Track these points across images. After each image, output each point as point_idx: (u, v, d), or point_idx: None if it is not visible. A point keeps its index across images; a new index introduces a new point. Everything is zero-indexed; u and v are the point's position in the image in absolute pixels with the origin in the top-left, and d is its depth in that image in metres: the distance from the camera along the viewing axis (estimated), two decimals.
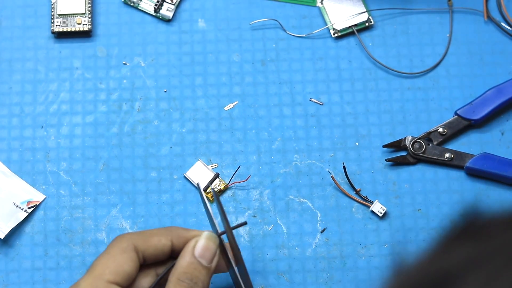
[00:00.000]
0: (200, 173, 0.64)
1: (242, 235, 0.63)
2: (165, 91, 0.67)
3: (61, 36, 0.68)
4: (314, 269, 0.62)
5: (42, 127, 0.65)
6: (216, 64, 0.67)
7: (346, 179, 0.63)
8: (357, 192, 0.63)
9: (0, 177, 0.64)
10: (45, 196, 0.64)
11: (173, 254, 0.55)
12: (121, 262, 0.53)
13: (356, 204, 0.64)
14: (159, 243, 0.55)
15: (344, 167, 0.63)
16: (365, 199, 0.64)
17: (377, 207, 0.63)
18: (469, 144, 0.66)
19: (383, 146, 0.65)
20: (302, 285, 0.62)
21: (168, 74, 0.67)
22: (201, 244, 0.54)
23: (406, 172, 0.65)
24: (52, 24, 0.67)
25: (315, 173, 0.65)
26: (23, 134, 0.65)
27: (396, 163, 0.65)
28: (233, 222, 0.63)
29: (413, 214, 0.64)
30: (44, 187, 0.64)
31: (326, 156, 0.65)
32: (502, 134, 0.66)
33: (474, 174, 0.65)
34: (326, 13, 0.69)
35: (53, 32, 0.67)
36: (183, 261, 0.54)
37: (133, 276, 0.53)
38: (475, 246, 0.34)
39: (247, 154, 0.65)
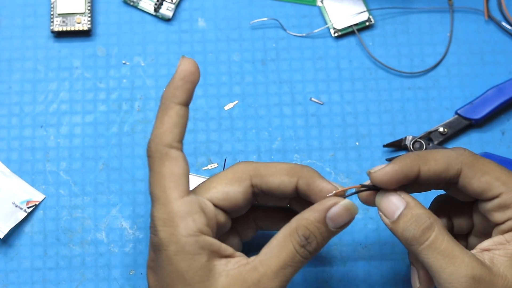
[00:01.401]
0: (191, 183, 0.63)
1: None
2: None
3: (60, 35, 0.68)
4: (314, 269, 0.62)
5: (41, 126, 0.65)
6: (216, 64, 0.67)
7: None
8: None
9: None
10: (44, 196, 0.64)
11: (297, 193, 0.53)
12: (230, 191, 0.52)
13: (357, 204, 0.64)
14: (282, 183, 0.52)
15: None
16: None
17: None
18: (470, 144, 0.66)
19: (384, 146, 0.65)
20: (302, 285, 0.62)
21: (168, 73, 0.67)
22: (337, 210, 0.51)
23: None
24: (52, 24, 0.67)
25: None
26: (22, 133, 0.65)
27: None
28: None
29: None
30: (43, 186, 0.64)
31: (327, 156, 0.65)
32: (503, 133, 0.66)
33: None
34: (327, 13, 0.68)
35: (52, 32, 0.67)
36: (311, 215, 0.51)
37: (240, 206, 0.52)
38: None
39: (247, 153, 0.65)
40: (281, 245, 0.50)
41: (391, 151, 0.65)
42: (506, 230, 0.50)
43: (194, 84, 0.51)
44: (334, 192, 0.52)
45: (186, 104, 0.51)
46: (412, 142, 0.65)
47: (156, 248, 0.49)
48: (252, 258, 0.50)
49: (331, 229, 0.51)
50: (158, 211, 0.49)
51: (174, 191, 0.49)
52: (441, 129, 0.65)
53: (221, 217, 0.52)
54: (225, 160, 0.65)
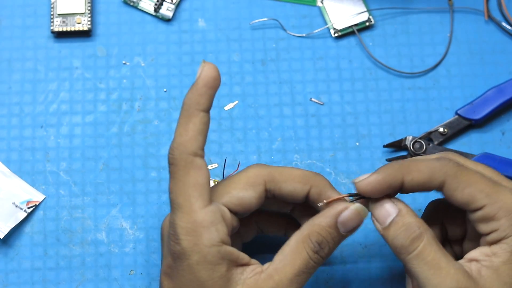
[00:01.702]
0: None
1: None
2: (165, 91, 0.67)
3: (60, 35, 0.68)
4: None
5: (41, 126, 0.65)
6: (216, 64, 0.67)
7: None
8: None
9: None
10: (44, 196, 0.64)
11: (306, 200, 0.54)
12: (244, 196, 0.52)
13: None
14: (294, 190, 0.53)
15: None
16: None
17: None
18: (470, 144, 0.66)
19: (384, 146, 0.65)
20: None
21: (168, 73, 0.67)
22: (349, 214, 0.51)
23: None
24: (52, 24, 0.67)
25: None
26: (22, 134, 0.65)
27: None
28: None
29: None
30: (43, 187, 0.64)
31: (327, 156, 0.65)
32: (503, 134, 0.66)
33: None
34: (327, 13, 0.68)
35: (52, 32, 0.67)
36: (323, 221, 0.51)
37: (253, 209, 0.52)
38: None
39: (247, 154, 0.65)
40: (294, 252, 0.50)
41: (391, 152, 0.65)
42: (491, 242, 0.50)
43: (216, 90, 0.51)
44: (327, 201, 0.53)
45: (209, 110, 0.51)
46: (412, 142, 0.65)
47: (176, 256, 0.49)
48: (267, 265, 0.50)
49: (342, 233, 0.51)
50: (181, 220, 0.49)
51: (198, 200, 0.49)
52: (441, 130, 0.65)
53: (234, 221, 0.52)
54: (225, 160, 0.65)
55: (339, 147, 0.65)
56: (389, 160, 0.64)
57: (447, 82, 0.67)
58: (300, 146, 0.65)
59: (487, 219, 0.50)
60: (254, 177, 0.52)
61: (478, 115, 0.65)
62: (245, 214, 0.53)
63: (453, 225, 0.54)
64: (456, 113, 0.66)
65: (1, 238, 0.62)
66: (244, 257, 0.51)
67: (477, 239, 0.53)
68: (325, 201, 0.53)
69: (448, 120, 0.66)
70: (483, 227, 0.50)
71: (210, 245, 0.49)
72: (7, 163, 0.64)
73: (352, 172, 0.64)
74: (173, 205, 0.50)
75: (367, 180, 0.51)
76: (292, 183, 0.53)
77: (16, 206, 0.63)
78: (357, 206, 0.52)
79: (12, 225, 0.62)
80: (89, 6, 0.67)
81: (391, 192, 0.52)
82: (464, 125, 0.65)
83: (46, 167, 0.64)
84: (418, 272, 0.49)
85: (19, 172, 0.64)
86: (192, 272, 0.49)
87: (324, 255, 0.51)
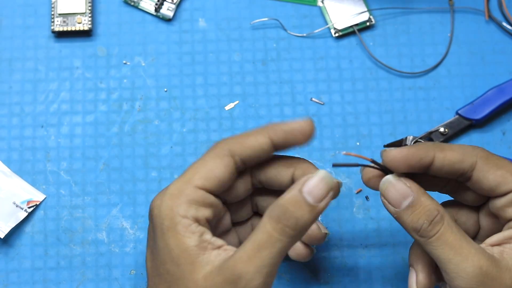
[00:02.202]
0: None
1: None
2: (166, 91, 0.67)
3: (61, 35, 0.68)
4: (314, 269, 0.62)
5: (42, 126, 0.65)
6: (216, 64, 0.67)
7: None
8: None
9: (0, 176, 0.64)
10: (45, 196, 0.64)
11: (277, 151, 0.52)
12: (212, 167, 0.50)
13: (357, 204, 0.64)
14: (256, 142, 0.51)
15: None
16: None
17: None
18: (470, 144, 0.65)
19: (384, 146, 0.65)
20: (302, 285, 0.62)
21: (168, 73, 0.67)
22: (313, 181, 0.49)
23: None
24: (52, 24, 0.67)
25: None
26: (23, 133, 0.65)
27: None
28: None
29: None
30: (44, 186, 0.64)
31: (327, 156, 0.65)
32: (504, 134, 0.66)
33: None
34: (327, 13, 0.68)
35: (53, 32, 0.67)
36: (287, 193, 0.49)
37: (226, 182, 0.50)
38: None
39: None
40: (258, 228, 0.48)
41: None
42: None
43: (291, 144, 0.52)
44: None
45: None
46: (413, 142, 0.65)
47: (154, 222, 0.50)
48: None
49: (312, 203, 0.48)
50: (174, 185, 0.50)
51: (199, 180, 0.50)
52: (441, 129, 0.65)
53: (216, 204, 0.51)
54: None
55: (340, 147, 0.65)
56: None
57: (448, 82, 0.67)
58: None
59: None
60: (218, 150, 0.51)
61: (478, 115, 0.65)
62: (220, 191, 0.51)
63: (466, 224, 0.54)
64: (457, 113, 0.66)
65: (2, 237, 0.62)
66: (217, 240, 0.49)
67: (490, 236, 0.53)
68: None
69: (448, 120, 0.66)
70: (510, 211, 0.50)
71: (183, 215, 0.49)
72: (8, 163, 0.64)
73: (353, 172, 0.64)
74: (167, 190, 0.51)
75: (398, 150, 0.50)
76: (251, 137, 0.51)
77: (17, 206, 0.63)
78: (321, 172, 0.49)
79: (12, 224, 0.62)
80: (89, 6, 0.67)
81: (417, 170, 0.51)
82: (465, 125, 0.65)
83: (46, 166, 0.64)
84: (438, 253, 0.49)
85: (20, 171, 0.64)
86: (164, 239, 0.49)
87: (289, 224, 0.48)
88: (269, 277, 0.48)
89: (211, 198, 0.50)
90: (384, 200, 0.51)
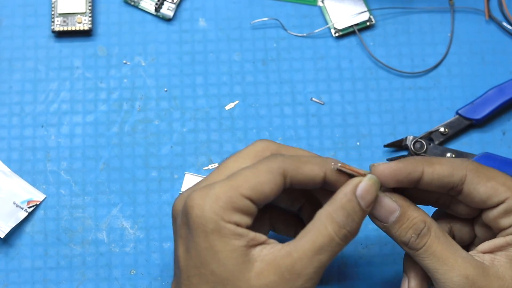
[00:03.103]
0: (191, 183, 0.63)
1: None
2: (166, 91, 0.67)
3: (61, 35, 0.68)
4: None
5: (42, 126, 0.65)
6: (217, 64, 0.67)
7: None
8: None
9: (0, 176, 0.64)
10: (45, 196, 0.64)
11: (324, 186, 0.51)
12: (264, 181, 0.48)
13: None
14: (312, 172, 0.50)
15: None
16: None
17: None
18: (471, 144, 0.66)
19: (384, 146, 0.65)
20: None
21: (168, 73, 0.67)
22: (365, 185, 0.49)
23: None
24: (53, 23, 0.67)
25: None
26: (23, 133, 0.65)
27: None
28: None
29: None
30: (44, 186, 0.64)
31: (327, 156, 0.65)
32: (504, 134, 0.66)
33: None
34: (327, 13, 0.68)
35: (53, 31, 0.67)
36: (343, 197, 0.49)
37: (271, 199, 0.49)
38: None
39: None
40: (317, 229, 0.48)
41: (392, 151, 0.65)
42: (510, 233, 0.50)
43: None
44: (340, 165, 0.51)
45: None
46: (413, 142, 0.65)
47: (192, 223, 0.48)
48: (287, 243, 0.49)
49: (363, 207, 0.49)
50: (221, 186, 0.49)
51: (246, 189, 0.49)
52: (442, 129, 0.65)
53: (254, 211, 0.51)
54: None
55: (340, 146, 0.65)
56: (390, 160, 0.64)
57: (448, 81, 0.67)
58: (300, 145, 0.65)
59: (510, 212, 0.50)
60: (273, 166, 0.50)
61: (478, 115, 0.65)
62: (262, 204, 0.51)
63: (461, 231, 0.54)
64: (457, 113, 0.66)
65: (2, 237, 0.62)
66: (261, 236, 0.49)
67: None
68: (339, 165, 0.51)
69: (448, 120, 0.66)
70: (504, 222, 0.50)
71: (228, 221, 0.48)
72: (8, 163, 0.64)
73: None
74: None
75: (387, 164, 0.50)
76: (310, 165, 0.50)
77: (17, 206, 0.63)
78: (370, 176, 0.50)
79: (12, 224, 0.62)
80: (89, 6, 0.67)
81: (406, 185, 0.51)
82: (465, 125, 0.65)
83: (46, 166, 0.64)
84: (427, 264, 0.50)
85: (20, 171, 0.64)
86: (208, 240, 0.48)
87: (351, 230, 0.49)
88: (321, 276, 0.49)
89: (254, 209, 0.49)
90: (372, 218, 0.52)
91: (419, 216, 0.51)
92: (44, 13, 0.68)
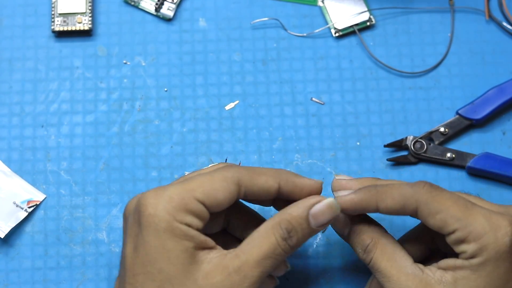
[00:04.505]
0: None
1: None
2: (166, 91, 0.67)
3: (61, 35, 0.68)
4: (314, 269, 0.62)
5: (42, 126, 0.65)
6: (217, 64, 0.67)
7: None
8: None
9: (0, 176, 0.64)
10: (45, 196, 0.64)
11: (278, 196, 0.54)
12: (218, 189, 0.51)
13: None
14: (266, 184, 0.53)
15: None
16: None
17: None
18: (471, 144, 0.66)
19: (385, 146, 0.65)
20: (302, 285, 0.62)
21: (168, 73, 0.67)
22: (320, 207, 0.52)
23: (407, 172, 0.65)
24: (53, 23, 0.67)
25: (316, 172, 0.65)
26: (23, 133, 0.65)
27: (397, 162, 0.65)
28: None
29: None
30: (44, 186, 0.64)
31: (327, 156, 0.65)
32: (504, 134, 0.66)
33: (476, 174, 0.64)
34: (327, 13, 0.68)
35: (53, 31, 0.67)
36: (295, 210, 0.52)
37: (223, 206, 0.52)
38: None
39: (248, 153, 0.65)
40: (263, 237, 0.51)
41: (392, 151, 0.65)
42: (463, 257, 0.52)
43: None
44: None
45: None
46: (413, 142, 0.65)
47: (145, 221, 0.50)
48: (233, 249, 0.51)
49: (313, 227, 0.52)
50: (175, 188, 0.51)
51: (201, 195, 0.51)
52: (442, 129, 0.65)
53: (207, 216, 0.52)
54: (226, 160, 0.65)
55: (340, 146, 0.65)
56: (390, 160, 0.64)
57: (448, 81, 0.67)
58: (301, 145, 0.65)
59: (459, 242, 0.51)
60: (228, 175, 0.52)
61: (479, 115, 0.65)
62: (215, 211, 0.53)
63: (442, 242, 0.55)
64: (457, 113, 0.66)
65: (2, 237, 0.62)
66: (211, 241, 0.51)
67: None
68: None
69: (449, 120, 0.66)
70: (456, 248, 0.52)
71: (180, 221, 0.50)
72: (8, 163, 0.64)
73: (353, 172, 0.64)
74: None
75: (348, 197, 0.53)
76: (264, 177, 0.53)
77: (17, 206, 0.63)
78: (330, 200, 0.53)
79: (12, 224, 0.62)
80: (90, 6, 0.67)
81: (369, 212, 0.54)
82: (465, 125, 0.65)
83: (46, 166, 0.64)
84: (377, 277, 0.53)
85: (20, 171, 0.64)
86: (159, 239, 0.50)
87: (292, 244, 0.52)
88: (261, 283, 0.52)
89: (206, 213, 0.52)
90: (333, 226, 0.55)
91: (368, 232, 0.54)
92: (44, 13, 0.68)
